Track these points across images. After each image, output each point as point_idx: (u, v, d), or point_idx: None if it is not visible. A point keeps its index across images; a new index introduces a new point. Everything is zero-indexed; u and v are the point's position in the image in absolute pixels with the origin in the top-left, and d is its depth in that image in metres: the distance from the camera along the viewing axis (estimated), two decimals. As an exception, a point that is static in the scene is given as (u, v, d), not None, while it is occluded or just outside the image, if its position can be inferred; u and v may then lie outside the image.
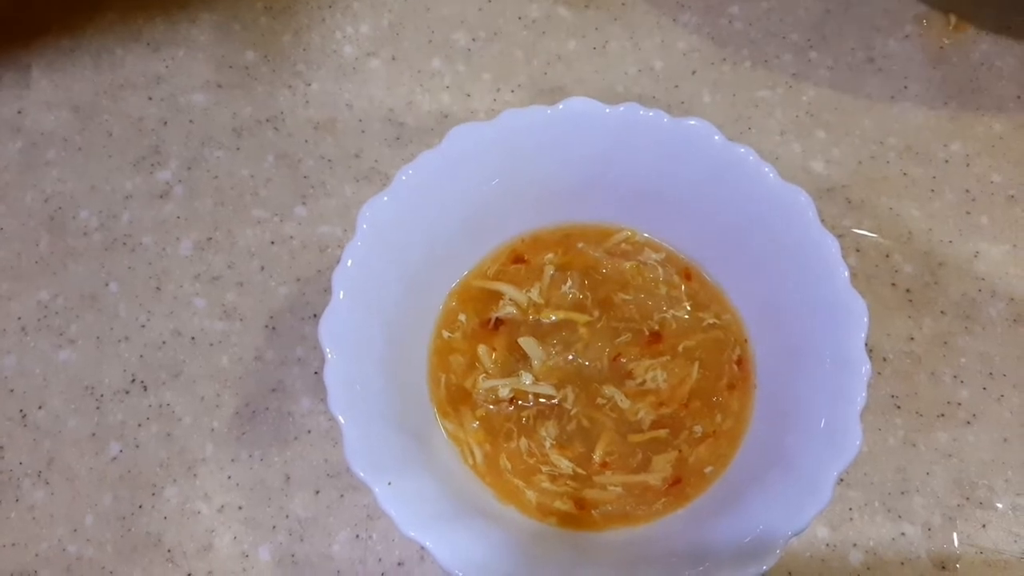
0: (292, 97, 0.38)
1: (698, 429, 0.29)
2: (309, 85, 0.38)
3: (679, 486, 0.28)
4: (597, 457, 0.29)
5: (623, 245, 0.32)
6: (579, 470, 0.29)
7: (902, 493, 0.31)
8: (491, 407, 0.30)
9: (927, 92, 0.38)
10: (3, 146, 0.37)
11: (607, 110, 0.29)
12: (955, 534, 0.31)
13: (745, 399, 0.29)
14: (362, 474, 0.25)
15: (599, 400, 0.30)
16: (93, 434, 0.32)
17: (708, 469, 0.28)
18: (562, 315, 0.31)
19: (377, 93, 0.38)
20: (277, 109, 0.38)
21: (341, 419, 0.25)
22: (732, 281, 0.31)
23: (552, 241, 0.32)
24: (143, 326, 0.34)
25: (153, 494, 0.31)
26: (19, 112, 0.38)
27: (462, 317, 0.31)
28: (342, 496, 0.31)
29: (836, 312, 0.27)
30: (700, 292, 0.31)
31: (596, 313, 0.31)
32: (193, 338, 0.34)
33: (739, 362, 0.30)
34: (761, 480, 0.27)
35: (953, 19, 0.40)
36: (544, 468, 0.29)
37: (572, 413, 0.30)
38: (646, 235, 0.32)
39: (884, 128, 0.38)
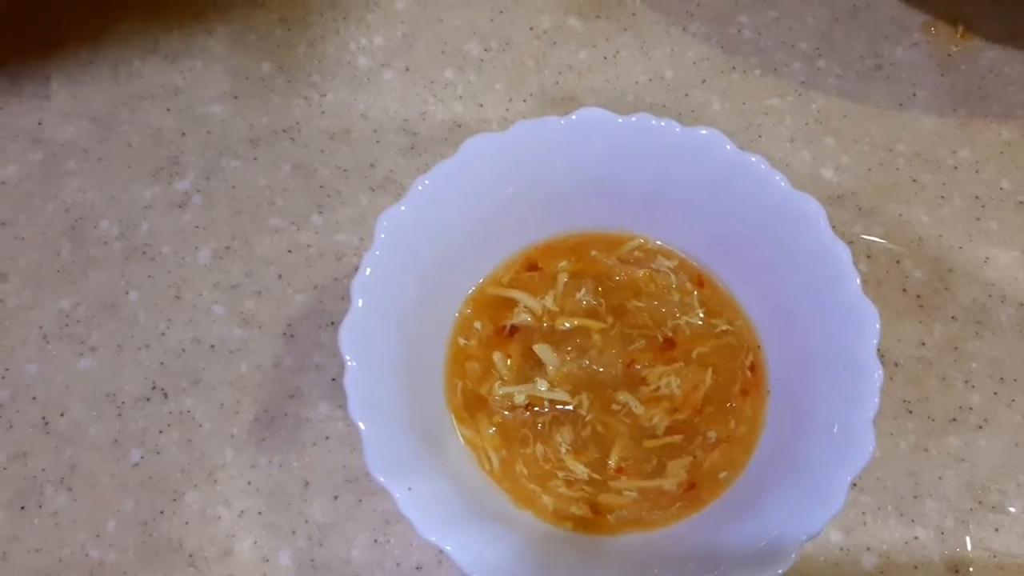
0: (307, 108, 0.39)
1: (712, 435, 0.29)
2: (324, 96, 0.39)
3: (694, 491, 0.29)
4: (612, 462, 0.29)
5: (636, 253, 0.32)
6: (595, 475, 0.29)
7: (915, 497, 0.31)
8: (507, 413, 0.30)
9: (935, 99, 0.38)
10: (24, 157, 0.38)
11: (619, 120, 0.30)
12: (968, 538, 0.31)
13: (758, 405, 0.30)
14: (382, 479, 0.25)
15: (614, 406, 0.30)
16: (115, 441, 0.33)
17: (723, 474, 0.29)
18: (576, 322, 0.31)
19: (391, 103, 0.39)
20: (293, 119, 0.38)
21: (361, 425, 0.26)
22: (744, 288, 0.31)
23: (565, 249, 0.32)
24: (163, 334, 0.34)
25: (174, 500, 0.32)
26: (39, 123, 0.39)
27: (477, 324, 0.31)
28: (360, 501, 0.32)
29: (848, 318, 0.27)
30: (712, 299, 0.31)
31: (610, 320, 0.31)
32: (212, 345, 0.34)
33: (752, 368, 0.30)
34: (775, 485, 0.27)
35: (960, 27, 0.40)
36: (560, 473, 0.29)
37: (587, 419, 0.30)
38: (659, 243, 0.32)
39: (893, 135, 0.38)
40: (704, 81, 0.39)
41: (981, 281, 0.35)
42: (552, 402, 0.30)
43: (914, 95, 0.39)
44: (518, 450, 0.29)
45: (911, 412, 0.33)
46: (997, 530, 0.31)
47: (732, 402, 0.30)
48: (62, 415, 0.33)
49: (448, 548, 0.25)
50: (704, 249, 0.32)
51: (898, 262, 0.35)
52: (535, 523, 0.28)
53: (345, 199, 0.37)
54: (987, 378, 0.33)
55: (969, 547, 0.31)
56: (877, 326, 0.27)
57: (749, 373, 0.30)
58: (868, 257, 0.35)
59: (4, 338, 0.34)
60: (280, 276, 0.35)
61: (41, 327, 0.35)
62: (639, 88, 0.39)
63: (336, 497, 0.32)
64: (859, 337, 0.27)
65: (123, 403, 0.33)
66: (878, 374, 0.26)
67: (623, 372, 0.30)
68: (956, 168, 0.37)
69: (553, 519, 0.28)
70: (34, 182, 0.38)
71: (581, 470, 0.29)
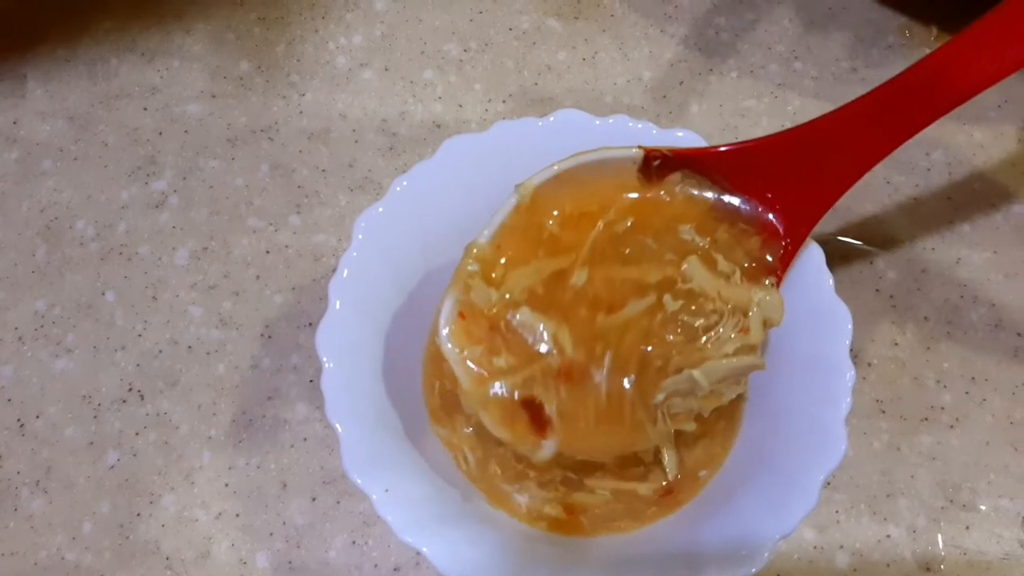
0: (286, 107, 0.39)
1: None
2: (303, 95, 0.39)
3: (672, 495, 0.29)
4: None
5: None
6: (570, 475, 0.29)
7: (887, 496, 0.32)
8: None
9: (910, 102, 0.39)
10: (-2, 156, 0.38)
11: (597, 122, 0.30)
12: (939, 536, 0.31)
13: (736, 400, 0.30)
14: (359, 481, 0.25)
15: None
16: (91, 443, 0.33)
17: (702, 473, 0.29)
18: None
19: (370, 103, 0.39)
20: (271, 119, 0.38)
21: (339, 427, 0.26)
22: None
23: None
24: (140, 335, 0.34)
25: (151, 502, 0.32)
26: (14, 122, 0.38)
27: (455, 325, 0.31)
28: (338, 503, 0.32)
29: (821, 319, 0.28)
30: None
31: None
32: (190, 347, 0.34)
33: None
34: (749, 484, 0.27)
35: (935, 30, 0.41)
36: (531, 473, 0.29)
37: None
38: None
39: (868, 137, 0.38)
40: (682, 83, 0.39)
41: (954, 282, 0.35)
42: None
43: (889, 98, 0.39)
44: (492, 450, 0.30)
45: (884, 411, 0.33)
46: (968, 528, 0.31)
47: None
48: (38, 417, 0.33)
49: (425, 550, 0.25)
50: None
51: (872, 263, 0.36)
52: (511, 523, 0.28)
53: (324, 199, 0.37)
54: (959, 377, 0.34)
55: (940, 545, 0.31)
56: (850, 327, 0.27)
57: None
58: (842, 258, 0.36)
59: (-22, 339, 0.34)
60: (258, 277, 0.35)
61: (16, 328, 0.34)
62: (617, 89, 0.39)
63: (314, 499, 0.32)
64: (832, 337, 0.27)
65: (99, 405, 0.33)
66: (850, 374, 0.26)
67: None
68: (929, 170, 0.38)
69: (527, 519, 0.28)
70: (9, 182, 0.37)
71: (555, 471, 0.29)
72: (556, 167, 0.28)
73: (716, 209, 0.28)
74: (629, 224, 0.28)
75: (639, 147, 0.28)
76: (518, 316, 0.27)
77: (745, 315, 0.27)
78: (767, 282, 0.27)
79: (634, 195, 0.28)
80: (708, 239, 0.28)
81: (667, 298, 0.27)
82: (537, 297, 0.27)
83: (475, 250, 0.27)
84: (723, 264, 0.28)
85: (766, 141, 0.28)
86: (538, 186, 0.28)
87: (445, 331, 0.27)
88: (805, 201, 0.27)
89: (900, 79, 0.26)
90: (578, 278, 0.28)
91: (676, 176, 0.28)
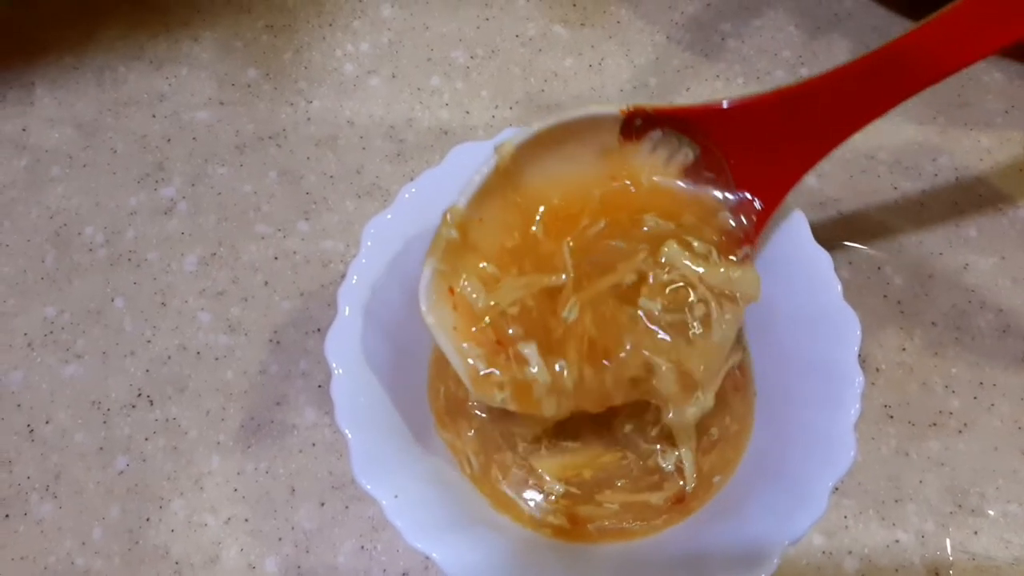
0: (294, 114, 0.39)
1: (714, 431, 0.30)
2: (310, 102, 0.39)
3: (683, 502, 0.29)
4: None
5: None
6: (573, 490, 0.29)
7: (896, 501, 0.32)
8: (484, 416, 0.30)
9: (916, 107, 0.39)
10: (8, 163, 0.38)
11: (603, 128, 0.30)
12: (948, 541, 0.31)
13: (747, 404, 0.30)
14: (369, 487, 0.25)
15: None
16: (100, 448, 0.33)
17: (716, 479, 0.29)
18: None
19: (377, 110, 0.39)
20: (279, 126, 0.39)
21: (348, 433, 0.26)
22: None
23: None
24: (149, 341, 0.34)
25: (160, 507, 0.32)
26: (23, 129, 0.39)
27: (461, 330, 0.31)
28: (347, 507, 0.32)
29: (830, 325, 0.28)
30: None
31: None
32: (198, 352, 0.34)
33: (740, 368, 0.30)
34: (758, 489, 0.27)
35: (941, 35, 0.41)
36: (531, 481, 0.29)
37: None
38: (643, 249, 0.33)
39: (874, 143, 0.38)
40: (688, 89, 0.39)
41: (961, 287, 0.35)
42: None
43: (895, 103, 0.39)
44: (493, 455, 0.30)
45: (892, 417, 0.33)
46: (976, 533, 0.31)
47: (726, 397, 0.30)
48: (47, 422, 0.33)
49: (435, 555, 0.25)
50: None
51: (879, 268, 0.36)
52: (517, 529, 0.28)
53: (331, 206, 0.37)
54: (967, 383, 0.34)
55: (949, 550, 0.31)
56: (858, 333, 0.27)
57: (738, 372, 0.30)
58: (849, 264, 0.36)
59: (-12, 345, 0.34)
60: (266, 283, 0.35)
61: (26, 334, 0.35)
62: (624, 96, 0.39)
63: (323, 504, 0.32)
64: (841, 344, 0.27)
65: (109, 410, 0.33)
66: (859, 381, 0.26)
67: None
68: (936, 175, 0.38)
69: (532, 525, 0.28)
70: (18, 188, 0.37)
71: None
72: (536, 127, 0.27)
73: (685, 186, 0.28)
74: (603, 226, 0.28)
75: (619, 108, 0.28)
76: (524, 351, 0.27)
77: (731, 299, 0.27)
78: (733, 258, 0.27)
79: (618, 184, 0.28)
80: (674, 224, 0.28)
81: (657, 304, 0.27)
82: (530, 316, 0.27)
83: (452, 216, 0.27)
84: (698, 246, 0.28)
85: (749, 100, 0.27)
86: (518, 146, 0.27)
87: (426, 304, 0.26)
88: (784, 161, 0.27)
89: (891, 47, 0.26)
90: (570, 312, 0.27)
91: (657, 133, 0.28)
